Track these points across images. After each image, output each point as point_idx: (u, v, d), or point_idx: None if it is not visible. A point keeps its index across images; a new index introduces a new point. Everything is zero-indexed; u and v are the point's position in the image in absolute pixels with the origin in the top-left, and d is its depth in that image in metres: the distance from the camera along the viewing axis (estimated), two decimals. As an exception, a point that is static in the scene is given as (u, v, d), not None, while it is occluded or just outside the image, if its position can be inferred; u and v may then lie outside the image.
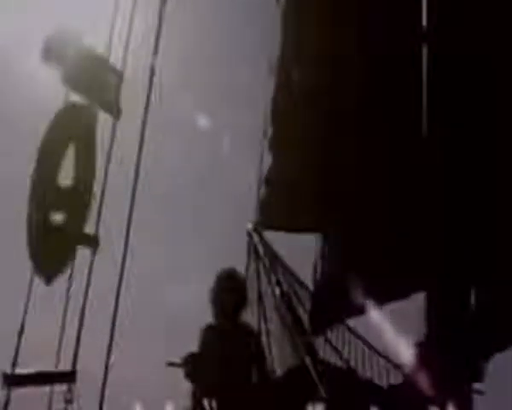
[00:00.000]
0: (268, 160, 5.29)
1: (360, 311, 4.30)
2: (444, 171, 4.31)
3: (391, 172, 4.49)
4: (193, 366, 4.12)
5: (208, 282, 4.28)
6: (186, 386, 4.07)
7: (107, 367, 3.78)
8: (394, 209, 4.45)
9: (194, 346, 4.20)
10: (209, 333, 4.27)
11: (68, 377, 3.68)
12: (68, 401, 3.61)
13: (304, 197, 4.85)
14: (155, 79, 4.48)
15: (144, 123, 4.42)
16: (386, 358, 4.60)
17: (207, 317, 4.26)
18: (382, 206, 4.49)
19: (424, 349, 4.19)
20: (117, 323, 3.83)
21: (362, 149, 4.62)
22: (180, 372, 4.08)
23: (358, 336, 4.79)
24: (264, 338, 4.68)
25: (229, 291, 4.27)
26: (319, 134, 4.82)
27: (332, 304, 4.59)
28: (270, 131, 5.26)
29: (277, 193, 5.19)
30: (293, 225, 5.06)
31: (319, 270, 4.79)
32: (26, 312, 3.59)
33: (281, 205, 5.11)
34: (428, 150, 4.38)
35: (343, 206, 4.67)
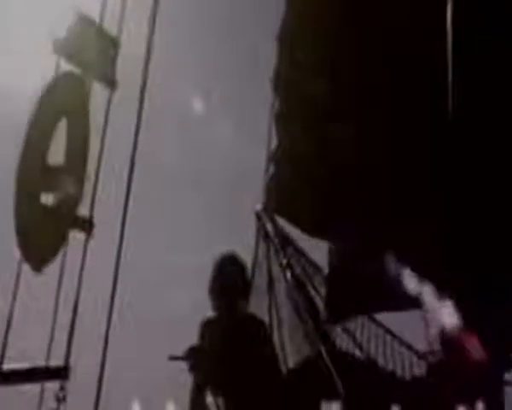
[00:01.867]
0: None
1: (382, 307, 4.07)
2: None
3: (406, 162, 4.34)
4: (196, 359, 3.89)
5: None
6: (189, 381, 3.83)
7: (103, 362, 3.53)
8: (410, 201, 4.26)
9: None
10: (209, 328, 4.05)
11: (60, 373, 3.43)
12: (61, 400, 3.35)
13: (308, 188, 4.64)
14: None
15: (142, 95, 4.21)
16: (410, 347, 4.36)
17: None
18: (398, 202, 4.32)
19: (451, 337, 3.97)
20: (114, 315, 3.57)
21: (374, 133, 4.46)
22: (182, 367, 3.84)
23: (379, 324, 4.55)
24: (275, 328, 4.44)
25: (229, 278, 4.00)
26: (326, 108, 4.64)
27: (350, 290, 4.35)
28: (276, 104, 5.03)
29: (282, 176, 4.96)
30: (294, 219, 4.84)
31: (335, 252, 4.54)
32: (13, 303, 3.34)
33: (286, 191, 4.89)
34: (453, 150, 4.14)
35: (353, 201, 4.43)
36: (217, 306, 4.01)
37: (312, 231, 4.76)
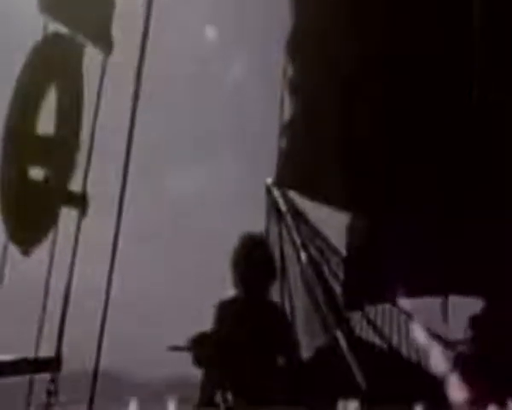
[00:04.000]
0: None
1: (406, 291, 3.97)
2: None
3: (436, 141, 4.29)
4: (204, 348, 3.78)
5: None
6: (194, 374, 3.72)
7: (99, 352, 3.43)
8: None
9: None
10: (229, 310, 3.94)
11: (51, 364, 3.34)
12: (52, 394, 3.26)
13: (328, 156, 4.52)
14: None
15: (141, 58, 4.06)
16: (436, 336, 4.25)
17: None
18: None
19: (482, 325, 3.89)
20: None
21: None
22: (187, 358, 3.73)
23: (402, 310, 4.44)
24: (288, 315, 4.34)
25: (259, 263, 3.92)
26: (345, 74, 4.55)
27: (371, 273, 4.24)
28: (290, 71, 4.91)
29: (297, 146, 4.82)
30: (313, 193, 4.72)
31: (355, 232, 4.42)
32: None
33: (301, 161, 4.76)
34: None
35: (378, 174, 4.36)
36: (241, 288, 3.91)
37: (335, 201, 4.65)
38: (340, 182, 4.43)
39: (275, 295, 4.35)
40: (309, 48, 4.77)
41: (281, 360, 3.86)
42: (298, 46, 4.85)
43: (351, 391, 3.59)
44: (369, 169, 4.34)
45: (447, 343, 4.21)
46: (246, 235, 4.01)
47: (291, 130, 4.89)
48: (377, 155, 4.32)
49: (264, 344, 3.80)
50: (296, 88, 4.84)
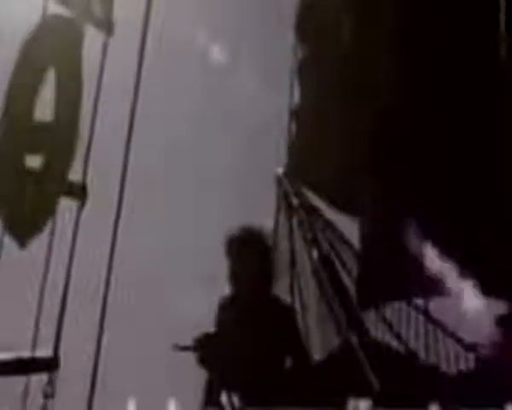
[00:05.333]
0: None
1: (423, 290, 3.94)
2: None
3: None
4: (209, 349, 3.78)
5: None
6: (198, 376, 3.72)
7: (98, 352, 3.43)
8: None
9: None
10: (229, 309, 3.94)
11: (48, 364, 3.36)
12: (48, 396, 3.28)
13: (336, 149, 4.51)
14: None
15: (144, 40, 4.05)
16: (457, 338, 4.21)
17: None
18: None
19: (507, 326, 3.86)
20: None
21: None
22: (190, 358, 3.73)
23: (420, 310, 4.40)
24: (298, 314, 4.31)
25: (254, 257, 3.90)
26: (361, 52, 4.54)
27: (386, 270, 4.21)
28: (301, 51, 4.88)
29: (307, 137, 4.84)
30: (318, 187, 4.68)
31: (368, 225, 4.37)
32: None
33: (310, 153, 4.73)
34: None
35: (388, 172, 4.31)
36: (239, 287, 3.89)
37: (339, 203, 4.64)
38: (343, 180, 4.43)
39: (284, 292, 4.36)
40: (319, 34, 4.77)
41: (288, 361, 3.86)
42: (307, 33, 4.84)
43: (364, 394, 3.57)
44: (381, 161, 4.32)
45: (466, 346, 4.20)
46: (241, 227, 3.97)
47: (300, 119, 4.88)
48: (389, 144, 4.31)
49: (269, 344, 3.79)
50: (306, 73, 4.83)
